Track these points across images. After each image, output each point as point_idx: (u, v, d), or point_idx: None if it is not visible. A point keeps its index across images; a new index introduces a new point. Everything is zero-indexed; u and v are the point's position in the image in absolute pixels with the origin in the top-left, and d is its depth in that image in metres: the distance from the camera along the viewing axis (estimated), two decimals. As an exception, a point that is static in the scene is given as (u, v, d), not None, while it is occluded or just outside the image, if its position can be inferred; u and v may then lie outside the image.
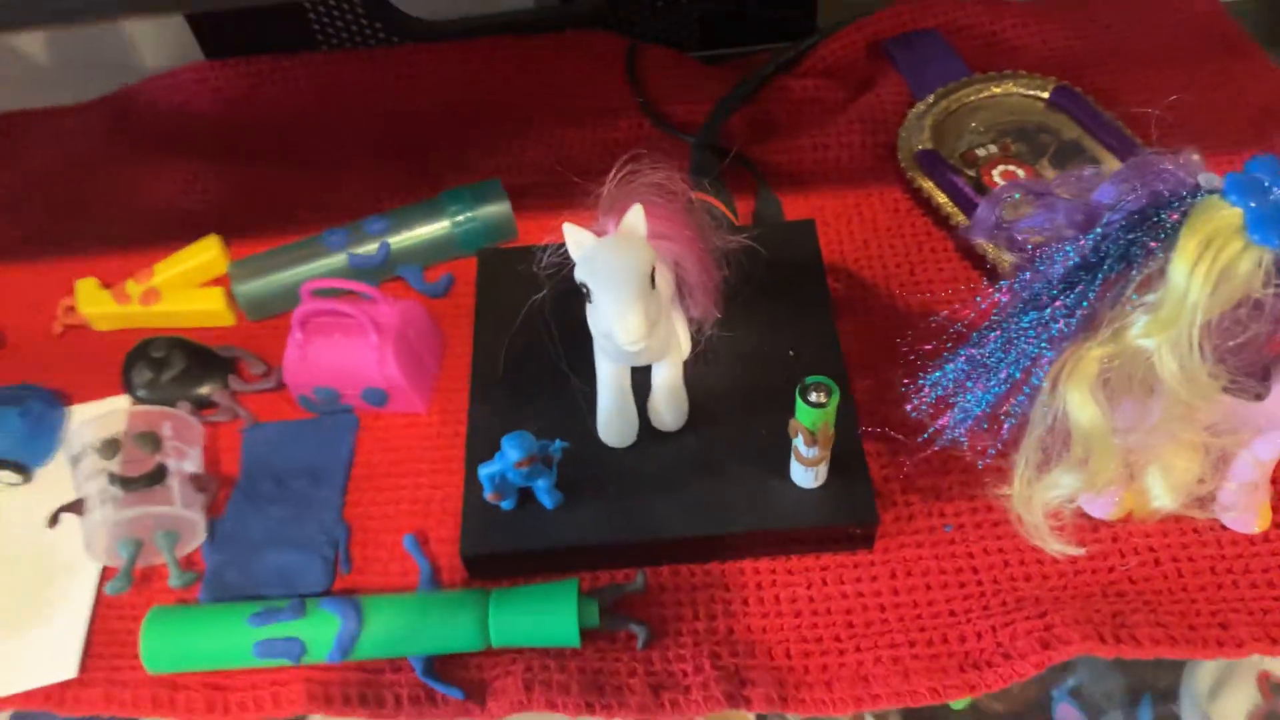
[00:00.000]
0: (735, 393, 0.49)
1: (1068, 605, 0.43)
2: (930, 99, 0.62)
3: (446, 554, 0.48)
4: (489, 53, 0.69)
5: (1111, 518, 0.46)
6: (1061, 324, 0.36)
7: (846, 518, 0.45)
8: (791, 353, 0.50)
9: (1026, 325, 0.36)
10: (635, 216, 0.40)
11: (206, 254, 0.59)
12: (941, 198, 0.58)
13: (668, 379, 0.46)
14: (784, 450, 0.45)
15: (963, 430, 0.39)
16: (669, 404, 0.47)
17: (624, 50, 0.68)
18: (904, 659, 0.43)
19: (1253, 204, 0.33)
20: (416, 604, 0.45)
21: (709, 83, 0.66)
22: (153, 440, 0.48)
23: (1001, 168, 0.58)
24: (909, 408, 0.40)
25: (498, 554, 0.46)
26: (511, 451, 0.43)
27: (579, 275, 0.40)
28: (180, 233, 0.60)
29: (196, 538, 0.48)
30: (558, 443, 0.45)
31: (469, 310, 0.55)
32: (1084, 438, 0.37)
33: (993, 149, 0.60)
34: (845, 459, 0.46)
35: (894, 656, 0.43)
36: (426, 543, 0.48)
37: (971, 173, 0.59)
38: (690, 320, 0.48)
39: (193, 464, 0.50)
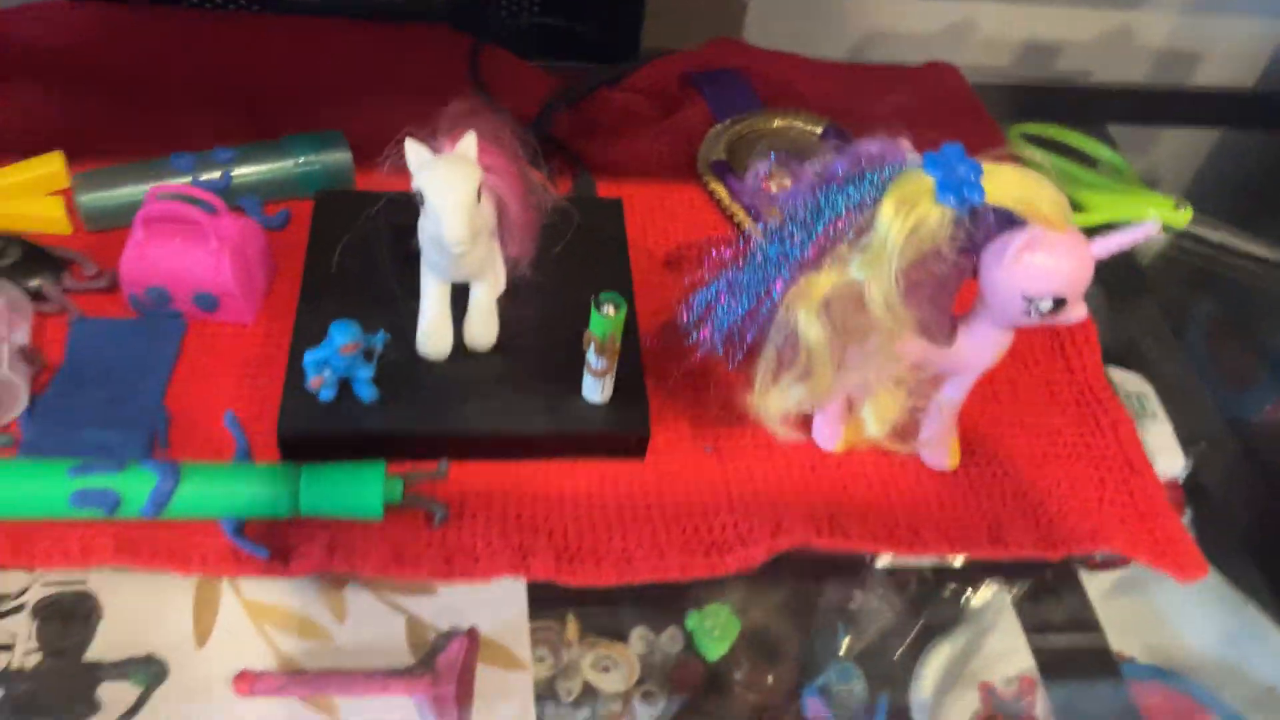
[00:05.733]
0: (540, 326, 0.56)
1: (796, 508, 0.52)
2: (727, 123, 0.74)
3: (262, 444, 0.52)
4: (342, 31, 0.75)
5: (837, 449, 0.56)
6: (797, 252, 0.45)
7: (624, 427, 0.53)
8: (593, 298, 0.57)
9: (771, 253, 0.46)
10: (468, 141, 0.48)
11: (48, 167, 0.61)
12: (728, 199, 0.68)
13: (482, 300, 0.53)
14: (578, 374, 0.53)
15: (719, 339, 0.48)
16: (481, 323, 0.54)
17: (467, 47, 0.76)
18: (661, 544, 0.51)
19: (941, 174, 0.44)
20: (232, 470, 0.49)
21: (541, 85, 0.75)
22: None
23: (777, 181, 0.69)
24: (680, 320, 0.49)
25: (312, 436, 0.51)
26: (339, 336, 0.49)
27: (415, 184, 0.47)
28: (25, 149, 0.62)
29: (17, 405, 0.51)
30: (381, 334, 0.50)
31: (301, 247, 0.60)
32: (808, 351, 0.46)
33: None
34: (628, 383, 0.54)
35: (653, 542, 0.51)
36: (244, 430, 0.53)
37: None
38: (507, 259, 0.56)
39: (21, 337, 0.52)
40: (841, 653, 0.58)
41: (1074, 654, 0.56)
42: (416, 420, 0.52)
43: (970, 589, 0.59)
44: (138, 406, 0.53)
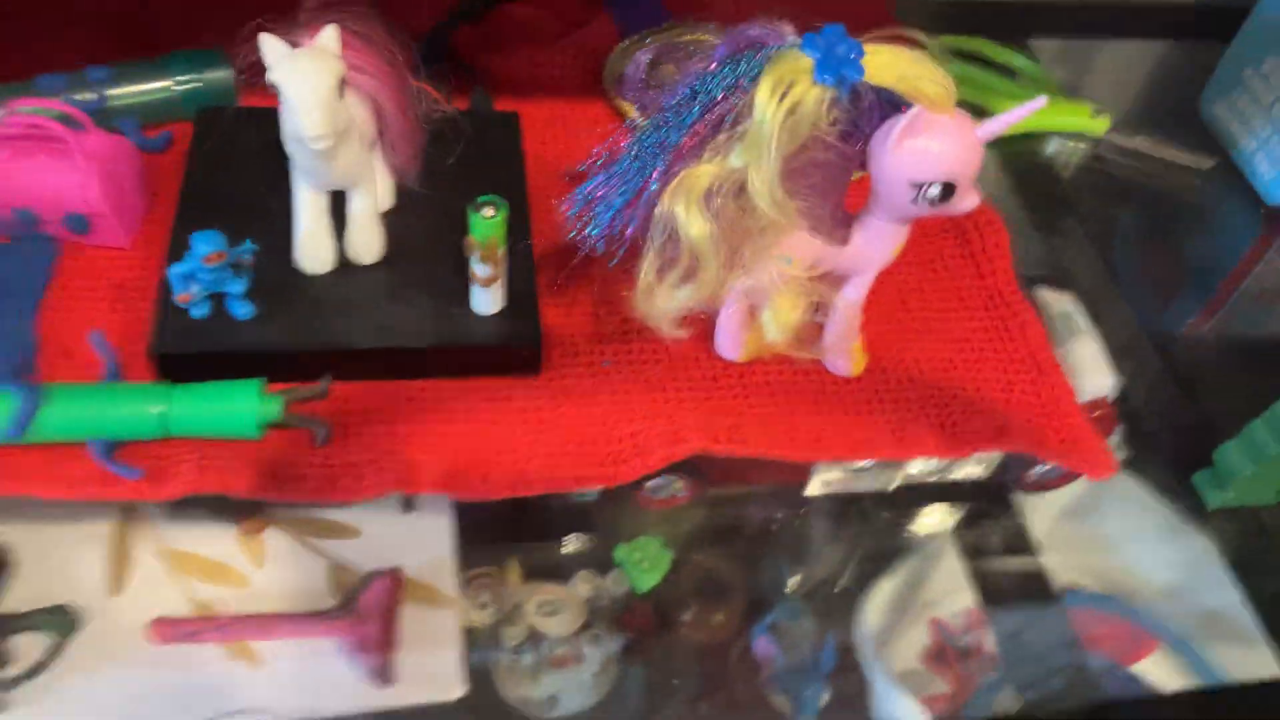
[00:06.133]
0: (430, 239, 0.54)
1: (695, 417, 0.51)
2: (634, 38, 0.71)
3: (139, 367, 0.50)
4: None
5: (740, 358, 0.55)
6: (674, 138, 0.44)
7: (514, 341, 0.51)
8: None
9: (648, 143, 0.44)
10: (328, 32, 0.45)
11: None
12: (632, 111, 0.66)
13: (361, 209, 0.51)
14: (465, 289, 0.51)
15: (599, 236, 0.46)
16: (362, 234, 0.52)
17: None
18: (555, 456, 0.50)
19: (819, 54, 0.43)
20: (99, 390, 0.47)
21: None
22: None
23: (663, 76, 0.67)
24: (563, 212, 0.47)
25: (186, 355, 0.48)
26: (201, 246, 0.46)
27: (271, 77, 0.44)
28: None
29: None
30: (247, 244, 0.48)
31: (183, 170, 0.57)
32: (690, 248, 0.45)
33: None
34: (519, 296, 0.52)
35: (547, 454, 0.50)
36: (117, 353, 0.50)
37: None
38: (393, 170, 0.54)
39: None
40: (787, 590, 0.57)
41: (1017, 584, 0.55)
42: (295, 336, 0.50)
43: (912, 521, 0.58)
44: (4, 331, 0.50)
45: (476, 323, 0.51)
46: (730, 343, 0.54)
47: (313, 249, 0.51)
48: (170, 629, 0.45)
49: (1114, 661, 0.56)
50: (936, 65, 0.44)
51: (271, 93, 0.45)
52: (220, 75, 0.61)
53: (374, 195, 0.52)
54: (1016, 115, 0.44)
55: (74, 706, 0.43)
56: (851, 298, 0.52)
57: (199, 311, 0.49)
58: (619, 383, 0.53)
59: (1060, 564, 0.56)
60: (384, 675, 0.45)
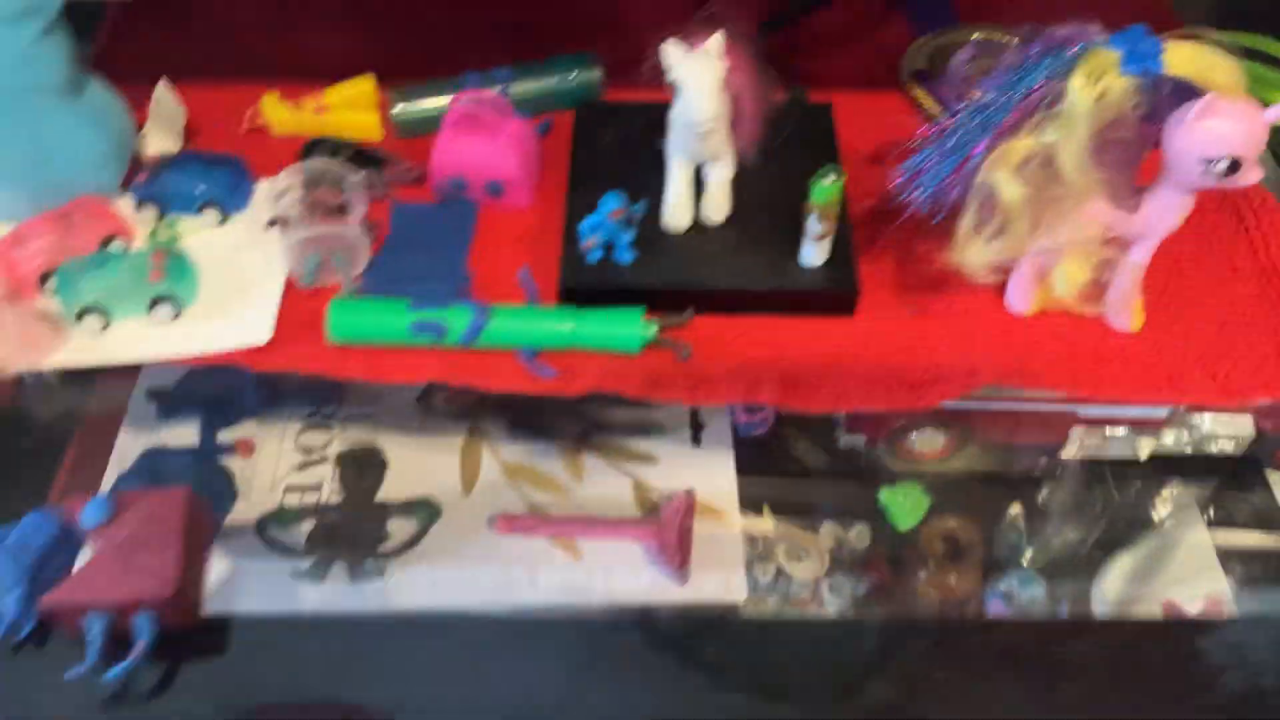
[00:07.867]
0: (763, 207, 0.66)
1: (989, 358, 0.61)
2: (928, 36, 0.81)
3: (543, 294, 0.65)
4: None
5: (1028, 312, 0.64)
6: (998, 118, 0.54)
7: (836, 286, 0.63)
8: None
9: (973, 122, 0.54)
10: (715, 39, 0.58)
11: (362, 86, 0.76)
12: (929, 101, 0.76)
13: (719, 178, 0.64)
14: (795, 244, 0.63)
15: (926, 199, 0.57)
16: (715, 199, 0.65)
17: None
18: (869, 382, 0.60)
19: (1126, 48, 0.52)
20: (528, 311, 0.62)
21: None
22: (335, 181, 0.65)
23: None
24: (891, 186, 0.58)
25: (587, 288, 0.63)
26: (609, 203, 0.61)
27: (672, 75, 0.58)
28: (343, 74, 0.77)
29: (360, 265, 0.65)
30: (640, 204, 0.62)
31: (558, 150, 0.71)
32: (1005, 208, 0.55)
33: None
34: (839, 251, 0.63)
35: (863, 380, 0.61)
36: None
37: (953, 89, 0.77)
38: (736, 148, 0.66)
39: (362, 211, 0.67)
40: (1024, 561, 0.60)
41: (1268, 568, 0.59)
42: (666, 278, 0.63)
43: (1162, 493, 0.63)
44: (447, 267, 0.66)
45: (805, 271, 0.63)
46: (1021, 297, 0.63)
47: (680, 211, 0.64)
48: (511, 523, 0.58)
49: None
50: (1229, 58, 0.52)
51: (668, 88, 0.58)
52: (593, 75, 0.76)
53: (730, 168, 0.64)
54: (1301, 104, 0.52)
55: (435, 577, 0.56)
56: (1137, 260, 0.60)
57: (595, 256, 0.63)
58: (920, 328, 0.63)
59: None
60: (680, 576, 0.56)
